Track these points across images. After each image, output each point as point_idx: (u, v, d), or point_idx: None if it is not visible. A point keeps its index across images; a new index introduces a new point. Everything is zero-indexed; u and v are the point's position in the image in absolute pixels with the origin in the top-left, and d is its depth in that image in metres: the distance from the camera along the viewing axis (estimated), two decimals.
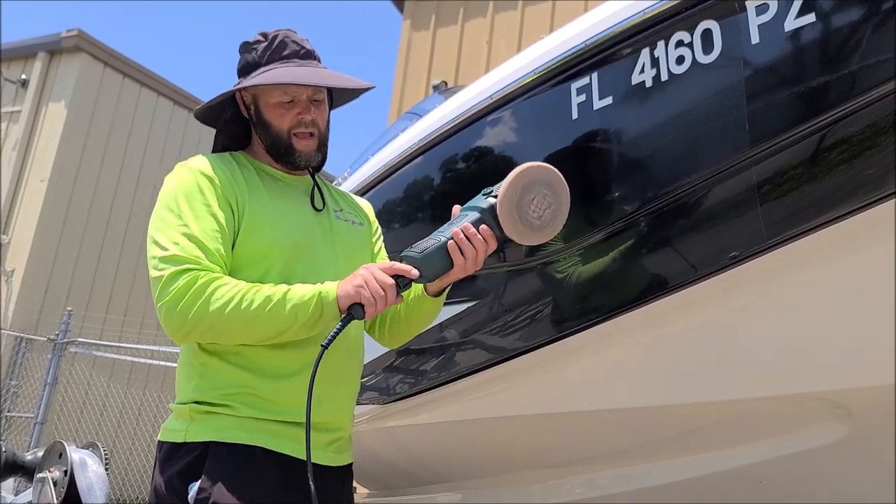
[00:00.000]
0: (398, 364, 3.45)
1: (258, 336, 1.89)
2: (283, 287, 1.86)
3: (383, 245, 2.36)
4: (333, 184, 2.58)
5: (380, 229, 2.37)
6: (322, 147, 2.12)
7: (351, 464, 2.15)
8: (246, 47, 2.12)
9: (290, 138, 2.06)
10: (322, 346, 1.84)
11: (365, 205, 2.39)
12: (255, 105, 2.09)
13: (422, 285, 2.03)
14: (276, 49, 2.07)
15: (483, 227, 1.90)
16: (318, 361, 1.83)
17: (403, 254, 1.91)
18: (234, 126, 2.17)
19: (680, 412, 2.40)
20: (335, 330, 1.85)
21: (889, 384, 1.88)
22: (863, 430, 2.11)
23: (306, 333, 1.90)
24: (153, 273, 1.87)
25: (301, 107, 2.06)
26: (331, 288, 1.86)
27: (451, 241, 1.89)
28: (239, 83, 2.08)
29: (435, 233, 1.94)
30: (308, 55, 2.10)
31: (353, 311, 1.85)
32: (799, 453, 2.25)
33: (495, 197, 1.91)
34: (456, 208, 2.00)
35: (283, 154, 2.08)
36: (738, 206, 1.98)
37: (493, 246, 1.92)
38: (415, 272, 1.88)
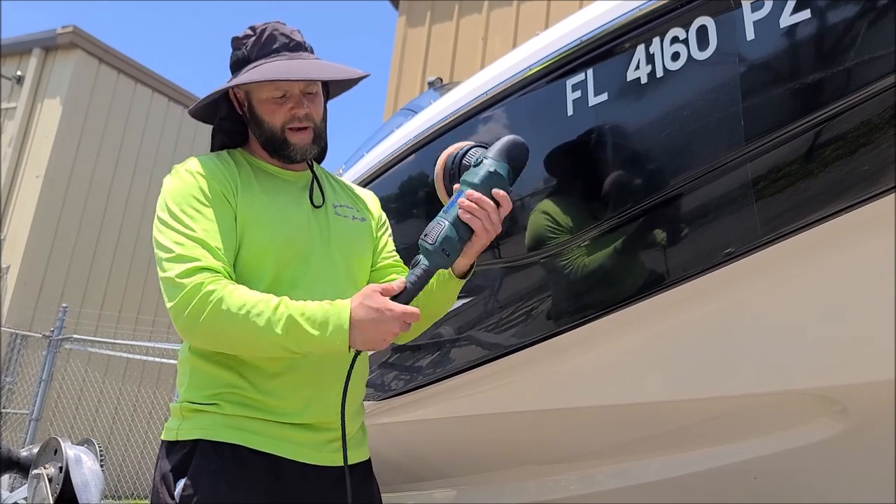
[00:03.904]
0: (393, 360, 3.45)
1: (259, 354, 1.89)
2: (294, 308, 1.81)
3: (390, 238, 2.31)
4: None
5: (387, 222, 2.32)
6: (318, 139, 2.09)
7: (362, 462, 2.11)
8: (236, 43, 2.08)
9: (283, 133, 2.03)
10: (347, 375, 1.88)
11: (369, 196, 2.35)
12: (248, 102, 2.06)
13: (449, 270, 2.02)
14: (264, 43, 2.03)
15: (496, 190, 1.93)
16: (345, 390, 1.88)
17: (420, 244, 1.91)
18: (230, 123, 2.14)
19: (675, 408, 2.40)
20: (352, 365, 1.89)
21: (885, 380, 1.88)
22: (858, 426, 2.11)
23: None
24: (161, 273, 1.87)
25: (294, 101, 2.02)
26: (343, 322, 1.80)
27: (460, 212, 1.90)
28: (229, 81, 2.05)
29: (441, 214, 1.94)
30: (298, 47, 2.06)
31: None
32: (794, 450, 2.25)
33: (492, 159, 1.96)
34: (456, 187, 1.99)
35: (279, 149, 2.05)
36: (733, 202, 1.98)
37: (509, 206, 1.94)
38: (416, 312, 1.85)
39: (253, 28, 2.07)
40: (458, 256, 1.94)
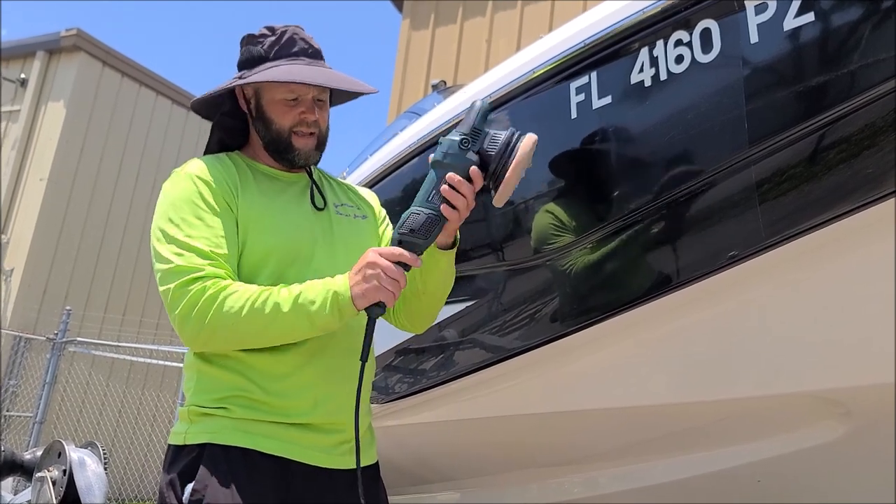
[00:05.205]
0: (397, 363, 3.45)
1: (275, 342, 1.89)
2: (295, 289, 1.84)
3: None
4: None
5: (387, 218, 2.32)
6: (321, 146, 2.09)
7: (370, 465, 2.09)
8: (251, 40, 2.06)
9: (290, 136, 2.03)
10: (361, 360, 1.86)
11: (369, 194, 2.34)
12: (256, 100, 2.05)
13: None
14: (284, 45, 2.03)
15: (473, 169, 1.85)
16: (361, 378, 1.87)
17: (396, 236, 1.87)
18: (231, 120, 2.13)
19: (679, 411, 2.40)
20: (366, 342, 1.88)
21: (888, 383, 1.88)
22: (861, 429, 2.11)
23: (325, 332, 1.89)
24: (161, 287, 1.86)
25: (305, 106, 2.02)
26: (343, 289, 1.82)
27: (442, 206, 1.85)
28: (245, 76, 2.03)
29: (420, 198, 1.88)
30: (316, 54, 2.07)
31: (372, 313, 1.86)
32: (797, 452, 2.25)
33: (478, 153, 1.87)
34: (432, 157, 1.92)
35: (282, 152, 2.05)
36: (737, 205, 1.98)
37: (480, 184, 1.88)
38: (417, 261, 1.86)
39: (271, 29, 2.06)
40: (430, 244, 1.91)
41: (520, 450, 3.18)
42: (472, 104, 1.92)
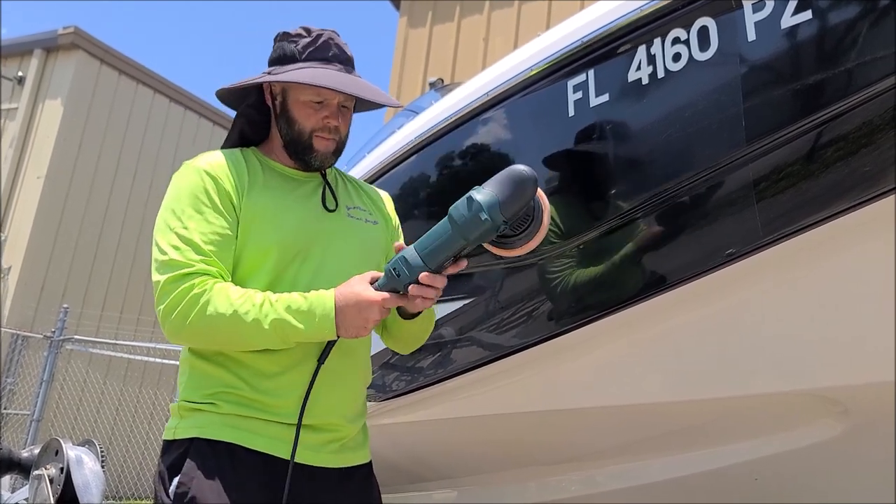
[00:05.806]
0: (394, 361, 3.44)
1: (254, 349, 1.91)
2: (280, 304, 1.83)
3: (402, 241, 2.28)
4: None
5: (398, 224, 2.32)
6: (338, 152, 2.11)
7: (363, 464, 2.10)
8: (285, 37, 2.08)
9: (310, 138, 2.04)
10: (318, 361, 1.91)
11: (383, 197, 2.34)
12: (282, 98, 2.06)
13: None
14: (319, 48, 2.04)
15: (462, 262, 1.89)
16: (315, 376, 1.90)
17: (392, 285, 1.85)
18: (255, 113, 2.15)
19: (677, 409, 2.40)
20: (326, 350, 1.92)
21: (886, 381, 1.88)
22: (859, 427, 2.11)
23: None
24: (153, 277, 1.90)
25: (329, 111, 2.04)
26: (330, 314, 1.82)
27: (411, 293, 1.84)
28: (275, 72, 2.04)
29: (433, 257, 1.84)
30: (348, 61, 2.08)
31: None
32: (795, 451, 2.25)
33: (506, 223, 1.79)
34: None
35: (301, 152, 2.06)
36: (734, 203, 1.98)
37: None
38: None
39: (308, 30, 2.08)
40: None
41: (517, 448, 3.18)
42: (533, 198, 1.85)
